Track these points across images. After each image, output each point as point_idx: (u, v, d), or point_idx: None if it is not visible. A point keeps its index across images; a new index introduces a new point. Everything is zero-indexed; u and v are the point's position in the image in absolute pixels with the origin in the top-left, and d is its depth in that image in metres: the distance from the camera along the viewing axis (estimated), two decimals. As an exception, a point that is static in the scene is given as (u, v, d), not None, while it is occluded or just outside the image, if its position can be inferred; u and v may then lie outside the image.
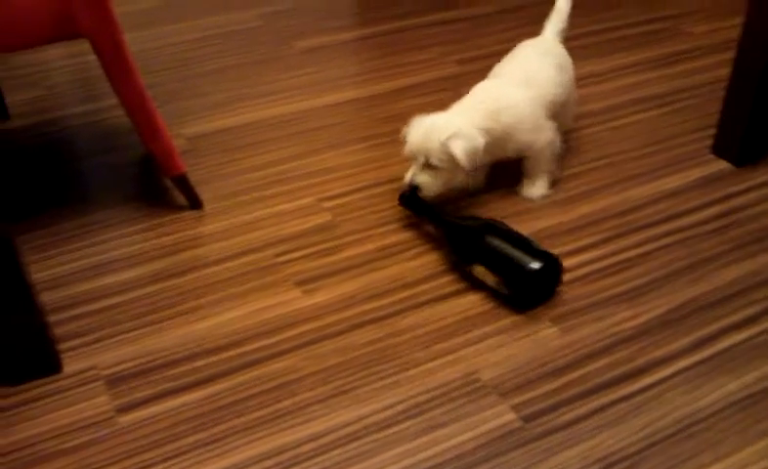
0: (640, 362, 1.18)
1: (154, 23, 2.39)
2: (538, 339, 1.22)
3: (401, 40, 2.24)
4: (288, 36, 2.29)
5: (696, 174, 1.61)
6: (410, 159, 1.44)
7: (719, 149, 1.65)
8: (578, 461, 1.04)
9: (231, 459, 1.05)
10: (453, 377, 1.16)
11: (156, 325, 1.27)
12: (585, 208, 1.51)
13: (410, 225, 1.48)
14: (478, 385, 1.14)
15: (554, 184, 1.56)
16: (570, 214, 1.49)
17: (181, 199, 1.56)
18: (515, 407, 1.11)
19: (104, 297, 1.33)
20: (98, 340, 1.24)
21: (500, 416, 1.10)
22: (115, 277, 1.37)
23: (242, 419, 1.10)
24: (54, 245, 1.45)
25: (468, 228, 1.33)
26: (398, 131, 1.78)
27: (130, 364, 1.20)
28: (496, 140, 1.44)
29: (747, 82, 1.55)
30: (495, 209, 1.51)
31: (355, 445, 1.06)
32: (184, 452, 1.06)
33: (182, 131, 1.80)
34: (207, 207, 1.54)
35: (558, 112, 1.56)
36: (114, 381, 1.17)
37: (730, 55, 2.10)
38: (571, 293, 1.31)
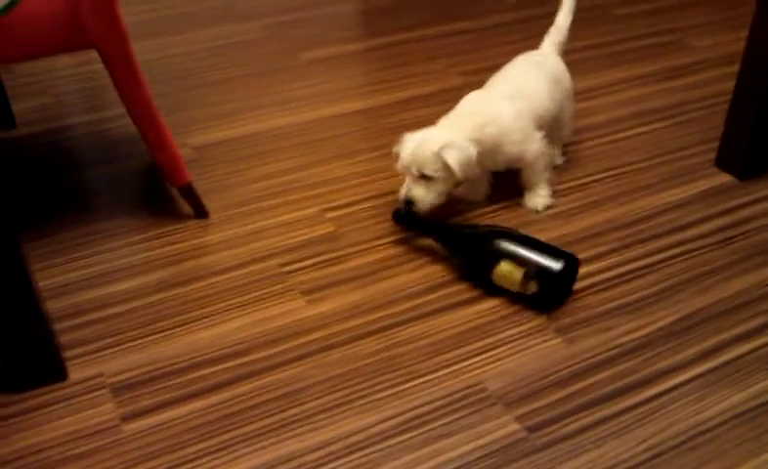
0: (645, 373, 1.18)
1: (161, 33, 2.41)
2: (543, 350, 1.22)
3: (405, 52, 2.25)
4: (294, 47, 2.30)
5: (700, 187, 1.61)
6: (404, 174, 1.45)
7: (723, 163, 1.65)
8: (583, 472, 1.04)
9: (236, 468, 1.05)
10: (457, 387, 1.16)
11: (162, 334, 1.27)
12: (590, 220, 1.51)
13: (414, 236, 1.48)
14: (482, 396, 1.14)
15: (553, 194, 1.57)
16: (574, 225, 1.50)
17: (186, 209, 1.56)
18: (519, 418, 1.11)
19: (109, 305, 1.33)
20: (103, 348, 1.24)
21: (504, 427, 1.10)
22: (121, 286, 1.37)
23: (248, 428, 1.10)
24: (59, 253, 1.46)
25: (478, 234, 1.34)
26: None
27: (136, 373, 1.20)
28: (486, 151, 1.45)
29: (751, 96, 1.55)
30: (500, 222, 1.52)
31: (359, 454, 1.06)
32: (189, 461, 1.06)
33: (188, 141, 1.81)
34: (212, 217, 1.55)
35: (552, 125, 1.58)
36: (120, 389, 1.17)
37: (734, 68, 2.11)
38: (576, 304, 1.31)
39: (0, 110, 1.87)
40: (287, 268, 1.41)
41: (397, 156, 1.45)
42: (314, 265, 1.41)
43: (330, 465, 1.05)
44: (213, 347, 1.24)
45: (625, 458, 1.05)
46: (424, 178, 1.42)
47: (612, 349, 1.22)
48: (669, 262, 1.40)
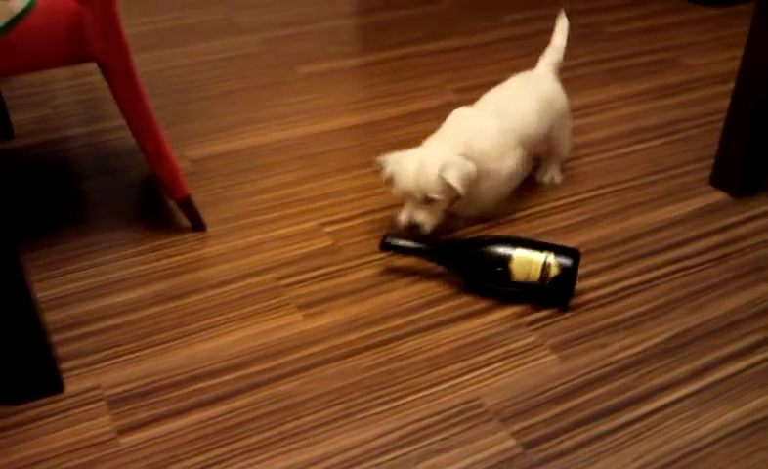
0: (640, 390, 1.18)
1: (161, 46, 2.42)
2: (539, 366, 1.23)
3: (402, 67, 2.27)
4: (292, 61, 2.31)
5: (695, 204, 1.62)
6: (405, 199, 1.45)
7: (717, 181, 1.67)
8: (579, 489, 1.04)
9: (232, 482, 1.05)
10: (454, 403, 1.16)
11: (159, 347, 1.27)
12: (586, 236, 1.52)
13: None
14: (479, 411, 1.15)
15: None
16: (571, 242, 1.51)
17: (184, 221, 1.57)
18: (515, 434, 1.11)
19: (107, 317, 1.33)
20: (100, 360, 1.24)
21: (500, 443, 1.10)
22: (118, 298, 1.38)
23: (245, 442, 1.10)
24: (58, 265, 1.46)
25: (480, 241, 1.35)
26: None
27: (132, 385, 1.20)
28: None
29: (746, 114, 1.57)
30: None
31: (356, 469, 1.07)
32: (185, 474, 1.06)
33: (186, 154, 1.82)
34: (210, 230, 1.55)
35: (547, 144, 1.60)
36: (116, 402, 1.17)
37: (728, 87, 2.13)
38: (571, 321, 1.32)
39: (-1, 121, 1.88)
40: (285, 281, 1.41)
41: (390, 181, 1.45)
42: (312, 279, 1.42)
43: (327, 479, 1.05)
44: (210, 360, 1.24)
45: (621, 475, 1.06)
46: (427, 201, 1.43)
47: (607, 366, 1.23)
48: (664, 279, 1.41)
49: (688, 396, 1.17)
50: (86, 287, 1.40)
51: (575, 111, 2.00)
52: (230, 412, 1.15)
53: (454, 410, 1.15)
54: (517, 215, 1.58)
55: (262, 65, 2.28)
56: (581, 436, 1.11)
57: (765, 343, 1.27)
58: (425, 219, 1.44)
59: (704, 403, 1.16)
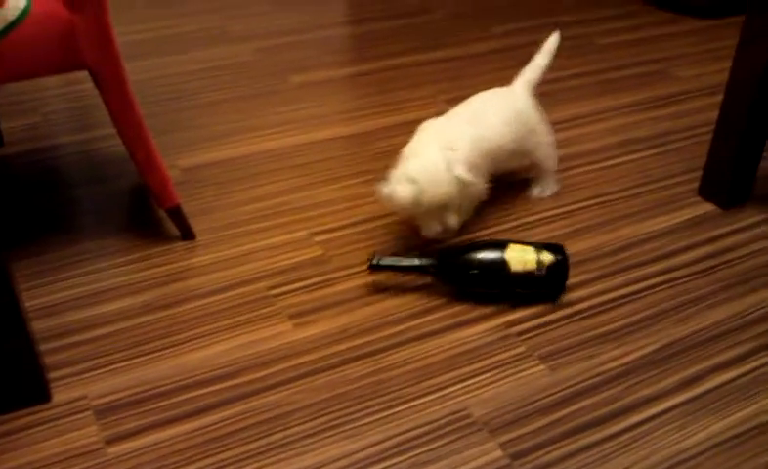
0: (627, 401, 1.19)
1: (153, 54, 2.42)
2: (527, 377, 1.23)
3: (394, 78, 2.27)
4: (284, 70, 2.32)
5: (684, 215, 1.63)
6: (425, 214, 1.44)
7: (706, 192, 1.68)
8: (566, 500, 1.05)
9: (220, 492, 1.05)
10: (442, 414, 1.16)
11: (147, 356, 1.27)
12: (575, 247, 1.53)
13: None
14: (467, 422, 1.15)
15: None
16: (559, 253, 1.51)
17: (173, 230, 1.57)
18: (503, 445, 1.11)
19: (95, 326, 1.33)
20: (88, 370, 1.24)
21: (488, 454, 1.10)
22: (107, 307, 1.37)
23: (233, 452, 1.10)
24: (46, 273, 1.46)
25: (469, 248, 1.37)
26: (391, 167, 1.80)
27: (120, 395, 1.20)
28: None
29: (734, 126, 1.58)
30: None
31: (344, 479, 1.07)
32: (173, 484, 1.06)
33: (177, 162, 1.82)
34: (200, 239, 1.55)
35: (516, 158, 1.60)
36: (104, 411, 1.17)
37: (717, 99, 2.14)
38: (559, 331, 1.32)
39: (-11, 129, 1.88)
40: (275, 291, 1.41)
41: (398, 204, 1.41)
42: (301, 288, 1.42)
43: (315, 490, 1.05)
44: (199, 370, 1.24)
45: (608, 486, 1.06)
46: (447, 206, 1.43)
47: (595, 377, 1.23)
48: (652, 290, 1.42)
49: (675, 407, 1.18)
50: (75, 296, 1.40)
51: (565, 123, 2.01)
52: (218, 422, 1.15)
53: (443, 421, 1.15)
54: (506, 226, 1.59)
55: (254, 74, 2.29)
56: (569, 446, 1.11)
57: (751, 354, 1.27)
58: (453, 219, 1.45)
59: (690, 414, 1.17)
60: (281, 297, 1.40)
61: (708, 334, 1.32)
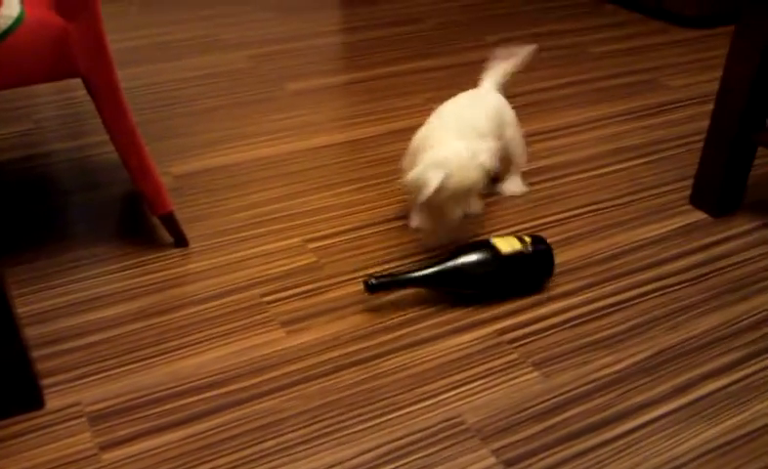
0: (620, 408, 1.19)
1: (146, 61, 2.42)
2: (520, 383, 1.24)
3: (387, 86, 2.28)
4: (278, 78, 2.32)
5: (675, 224, 1.64)
6: (449, 200, 1.46)
7: (697, 200, 1.69)
8: (559, 506, 1.05)
9: (213, 499, 1.05)
10: (436, 421, 1.17)
11: (141, 363, 1.27)
12: (567, 255, 1.54)
13: (394, 269, 1.49)
14: (460, 429, 1.15)
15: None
16: (552, 260, 1.52)
17: (167, 237, 1.57)
18: (496, 452, 1.12)
19: (88, 333, 1.33)
20: (81, 376, 1.24)
21: (481, 460, 1.10)
22: (100, 314, 1.37)
23: (226, 459, 1.10)
24: (39, 280, 1.45)
25: (456, 253, 1.39)
26: (384, 175, 1.81)
27: (114, 402, 1.19)
28: None
29: (724, 135, 1.59)
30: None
31: (337, 486, 1.07)
32: (166, 491, 1.06)
33: (170, 169, 1.82)
34: (193, 246, 1.55)
35: (503, 155, 1.67)
36: (98, 418, 1.17)
37: (708, 108, 2.16)
38: (552, 338, 1.33)
39: (-19, 135, 1.87)
40: (268, 298, 1.41)
41: (426, 189, 1.42)
42: (295, 295, 1.42)
43: (308, 497, 1.05)
44: (193, 377, 1.24)
45: (600, 492, 1.06)
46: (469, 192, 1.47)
47: (587, 383, 1.24)
48: (644, 298, 1.43)
49: (667, 414, 1.18)
50: (68, 303, 1.40)
51: (558, 131, 2.02)
52: (212, 429, 1.15)
53: (436, 428, 1.15)
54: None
55: (248, 82, 2.29)
56: (562, 453, 1.12)
57: (743, 362, 1.28)
58: (476, 205, 1.50)
59: (683, 421, 1.17)
60: (275, 304, 1.40)
61: (700, 342, 1.33)
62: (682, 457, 1.11)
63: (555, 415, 1.18)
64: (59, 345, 1.30)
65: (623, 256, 1.54)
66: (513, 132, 1.69)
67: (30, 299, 1.40)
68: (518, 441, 1.14)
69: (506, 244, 1.40)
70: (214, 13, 2.89)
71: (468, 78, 2.33)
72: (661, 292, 1.44)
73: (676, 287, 1.45)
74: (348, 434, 1.14)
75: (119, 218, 1.65)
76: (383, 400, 1.20)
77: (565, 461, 1.10)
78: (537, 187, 1.77)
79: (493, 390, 1.22)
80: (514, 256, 1.39)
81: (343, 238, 1.58)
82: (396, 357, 1.29)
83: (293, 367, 1.26)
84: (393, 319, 1.37)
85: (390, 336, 1.33)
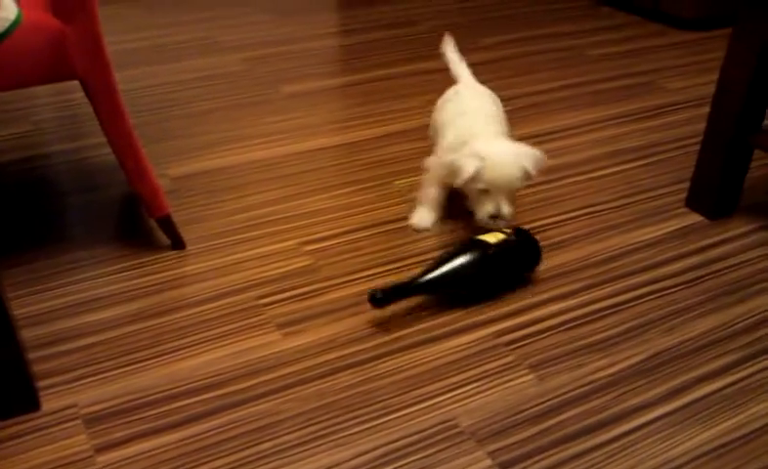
0: (615, 410, 1.20)
1: (143, 63, 2.42)
2: (515, 386, 1.24)
3: (383, 88, 2.28)
4: (274, 80, 2.32)
5: (671, 226, 1.65)
6: (480, 194, 1.49)
7: (693, 203, 1.69)
8: (554, 509, 1.05)
9: (209, 501, 1.05)
10: (431, 423, 1.17)
11: (137, 365, 1.27)
12: (563, 257, 1.54)
13: (390, 271, 1.50)
14: (455, 431, 1.16)
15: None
16: (548, 263, 1.52)
17: (164, 239, 1.57)
18: (491, 454, 1.12)
19: (84, 335, 1.33)
20: (78, 378, 1.24)
21: (477, 463, 1.11)
22: (97, 316, 1.37)
23: (222, 461, 1.10)
24: (36, 282, 1.45)
25: (446, 257, 1.39)
26: (380, 177, 1.81)
27: (110, 404, 1.19)
28: None
29: (721, 137, 1.59)
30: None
31: (333, 488, 1.07)
32: (162, 494, 1.06)
33: (166, 171, 1.82)
34: (190, 248, 1.55)
35: None
36: (94, 420, 1.17)
37: (704, 110, 2.17)
38: (548, 341, 1.33)
39: (-21, 137, 1.87)
40: (264, 300, 1.41)
41: (461, 176, 1.46)
42: (291, 298, 1.42)
43: (304, 499, 1.05)
44: (189, 379, 1.24)
45: (595, 495, 1.07)
46: (508, 191, 1.49)
47: (583, 386, 1.24)
48: (640, 300, 1.43)
49: (663, 416, 1.19)
50: (64, 305, 1.40)
51: (556, 133, 2.03)
52: (207, 431, 1.15)
53: (431, 431, 1.16)
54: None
55: (245, 84, 2.29)
56: (557, 456, 1.12)
57: (738, 364, 1.29)
58: (508, 209, 1.49)
59: (677, 423, 1.17)
60: (271, 306, 1.40)
61: (696, 344, 1.33)
62: (677, 460, 1.11)
63: (551, 418, 1.18)
64: (55, 347, 1.30)
65: (620, 259, 1.54)
66: (502, 124, 1.72)
67: (27, 301, 1.40)
68: (513, 443, 1.14)
69: (492, 236, 1.43)
70: (212, 15, 2.90)
71: (465, 81, 2.33)
72: (656, 295, 1.44)
73: (672, 290, 1.46)
74: (344, 436, 1.15)
75: (117, 220, 1.65)
76: (379, 402, 1.21)
77: (560, 464, 1.10)
78: (534, 189, 1.77)
79: (489, 392, 1.23)
80: (501, 244, 1.42)
81: (339, 241, 1.58)
82: (392, 359, 1.29)
83: (289, 370, 1.26)
84: (389, 321, 1.37)
85: (385, 339, 1.33)
